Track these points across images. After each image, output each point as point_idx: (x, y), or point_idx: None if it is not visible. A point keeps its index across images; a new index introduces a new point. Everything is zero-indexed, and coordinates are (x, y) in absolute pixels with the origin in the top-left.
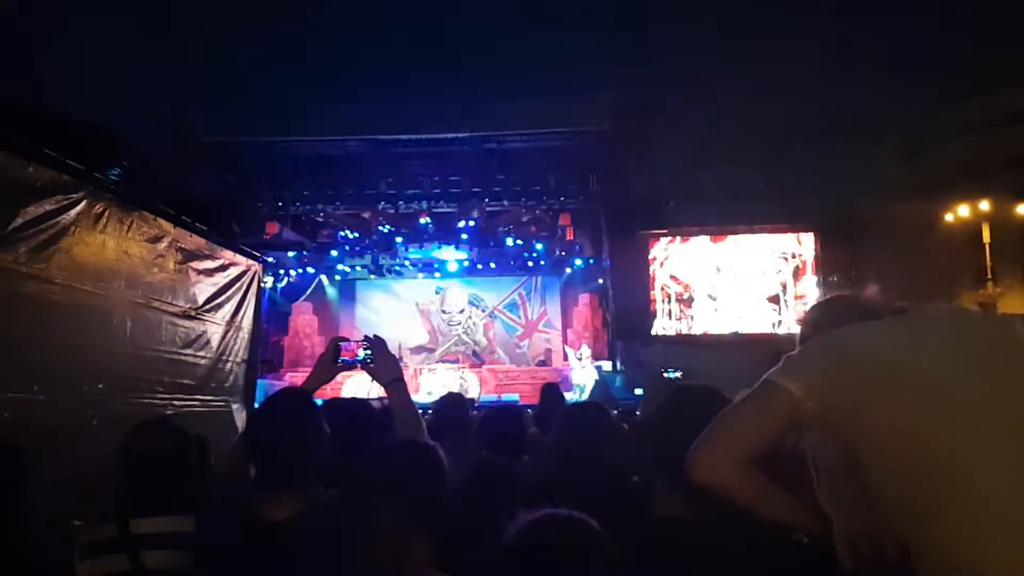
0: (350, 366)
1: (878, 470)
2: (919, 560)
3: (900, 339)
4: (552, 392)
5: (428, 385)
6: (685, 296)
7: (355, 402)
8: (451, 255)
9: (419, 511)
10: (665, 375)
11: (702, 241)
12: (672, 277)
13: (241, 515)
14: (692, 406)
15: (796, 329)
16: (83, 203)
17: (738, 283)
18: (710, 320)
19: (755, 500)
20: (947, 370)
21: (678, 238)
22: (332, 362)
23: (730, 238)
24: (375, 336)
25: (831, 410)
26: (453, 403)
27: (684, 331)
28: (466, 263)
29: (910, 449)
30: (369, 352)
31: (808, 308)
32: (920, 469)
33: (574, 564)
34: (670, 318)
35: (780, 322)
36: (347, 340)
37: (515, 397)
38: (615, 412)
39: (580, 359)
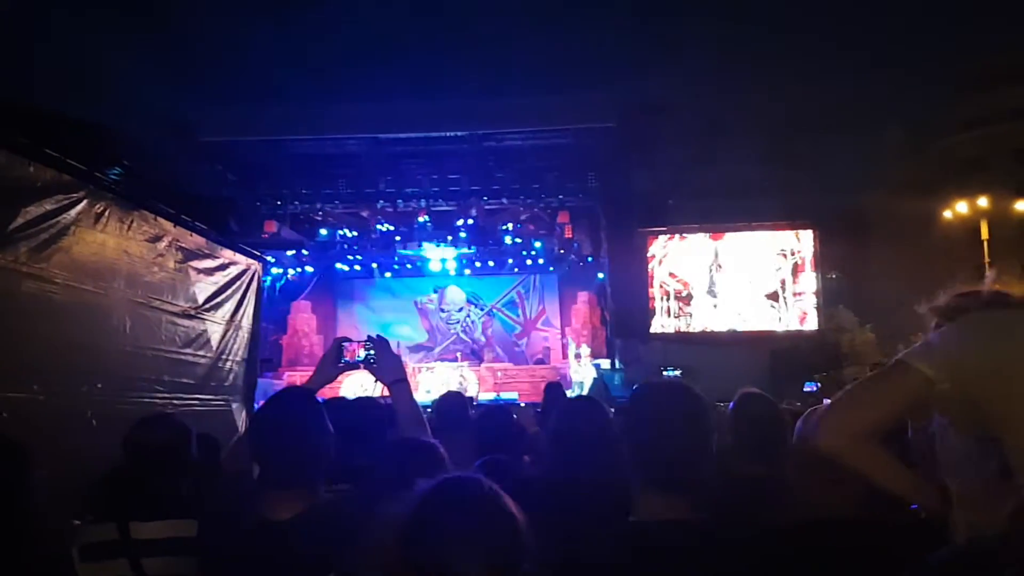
0: (352, 366)
1: (1017, 450)
2: None
3: None
4: (556, 391)
5: (427, 384)
6: (684, 293)
7: (358, 401)
8: (449, 253)
9: None
10: (664, 374)
11: (701, 238)
12: (671, 274)
13: (246, 514)
14: (659, 402)
15: (795, 326)
16: (83, 203)
17: (737, 280)
18: (709, 317)
19: (874, 470)
20: None
21: (677, 235)
22: (335, 362)
23: (729, 235)
24: (378, 336)
25: (967, 393)
26: (453, 401)
27: (683, 329)
28: (464, 261)
29: None
30: (371, 352)
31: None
32: None
33: (473, 530)
34: (669, 316)
35: (779, 319)
36: (349, 340)
37: (514, 395)
38: (612, 410)
39: (579, 357)
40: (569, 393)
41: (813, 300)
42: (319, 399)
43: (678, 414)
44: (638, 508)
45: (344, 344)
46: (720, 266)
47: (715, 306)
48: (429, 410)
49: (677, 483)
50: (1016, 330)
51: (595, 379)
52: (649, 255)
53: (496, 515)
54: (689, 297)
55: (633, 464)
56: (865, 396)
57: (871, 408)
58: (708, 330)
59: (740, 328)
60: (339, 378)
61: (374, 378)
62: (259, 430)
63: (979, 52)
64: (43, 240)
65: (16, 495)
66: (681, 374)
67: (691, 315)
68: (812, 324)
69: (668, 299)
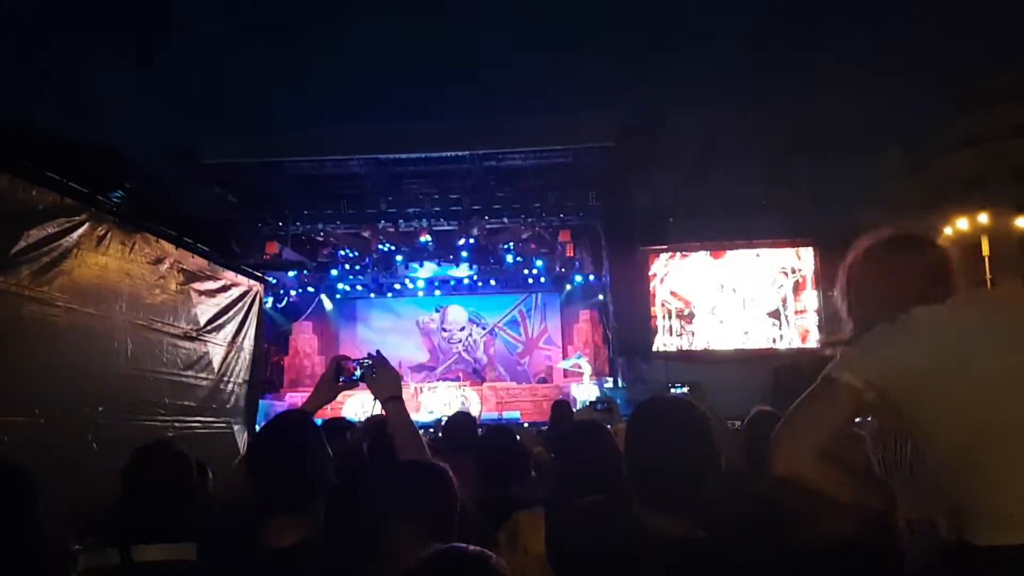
0: (351, 385)
1: (933, 448)
2: (969, 521)
3: (955, 324)
4: (562, 409)
5: (429, 404)
6: (686, 312)
7: (353, 422)
8: (451, 273)
9: (432, 533)
10: (672, 391)
11: (702, 257)
12: (672, 293)
13: (245, 541)
14: (660, 418)
15: (798, 343)
16: (85, 226)
17: (739, 298)
18: (711, 335)
19: (831, 486)
20: (996, 355)
21: (678, 254)
22: (334, 382)
23: (730, 254)
24: (377, 352)
25: (889, 397)
26: (461, 422)
27: (685, 347)
28: (466, 281)
29: (959, 432)
30: (369, 367)
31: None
32: (967, 449)
33: None
34: (671, 334)
35: (781, 337)
36: (348, 359)
37: (516, 415)
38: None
39: (581, 374)
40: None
41: (815, 318)
42: (316, 421)
43: (678, 430)
44: (640, 526)
45: (342, 363)
46: (721, 285)
47: (718, 323)
48: (432, 429)
49: (675, 500)
50: (929, 331)
51: (597, 397)
52: (650, 273)
53: None
54: (691, 315)
55: (632, 480)
56: (805, 418)
57: (813, 429)
58: (710, 348)
59: (742, 346)
60: (340, 397)
61: (373, 396)
62: (255, 456)
63: (978, 70)
64: (45, 263)
65: (22, 521)
66: (689, 390)
67: (693, 333)
68: (814, 342)
69: (670, 317)
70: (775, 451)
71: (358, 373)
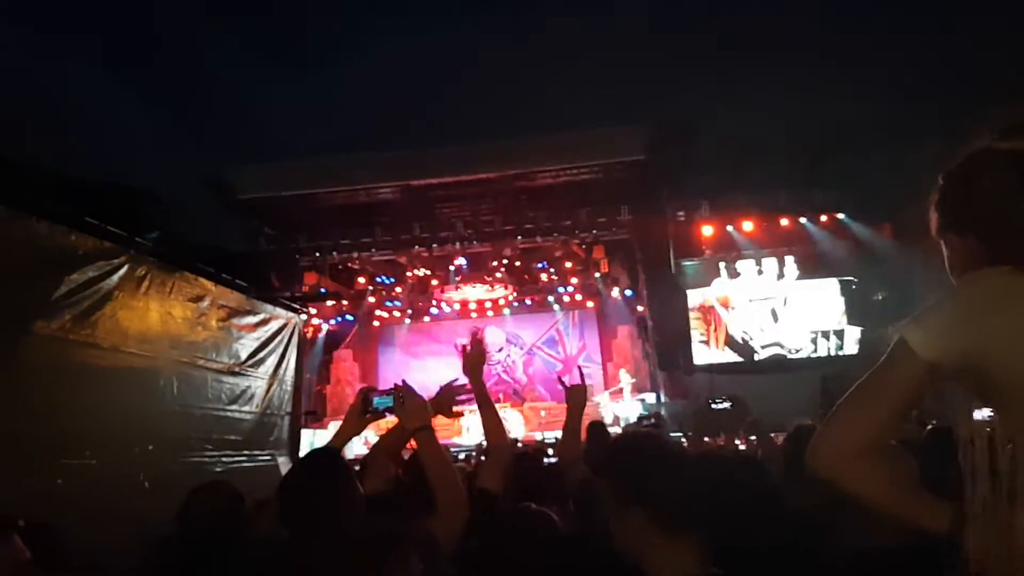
0: (378, 416)
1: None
2: None
3: None
4: (598, 431)
5: (470, 427)
6: (726, 323)
7: None
8: (487, 294)
9: None
10: (712, 406)
11: (741, 266)
12: (712, 304)
13: None
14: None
15: (846, 350)
16: (125, 268)
17: (779, 306)
18: (756, 346)
19: (870, 493)
20: None
21: (720, 264)
22: (361, 414)
23: (770, 261)
24: (403, 382)
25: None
26: None
27: (728, 359)
28: (502, 301)
29: None
30: (397, 399)
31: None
32: None
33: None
34: (712, 346)
35: (829, 344)
36: (375, 390)
37: (558, 434)
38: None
39: (621, 391)
40: (615, 430)
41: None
42: (344, 460)
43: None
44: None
45: (369, 395)
46: (762, 294)
47: (761, 331)
48: (474, 453)
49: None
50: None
51: (640, 415)
52: (688, 285)
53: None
54: (732, 326)
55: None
56: (856, 400)
57: (871, 414)
58: (755, 359)
59: (788, 356)
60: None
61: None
62: (286, 498)
63: (1017, 57)
64: (87, 307)
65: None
66: (731, 406)
67: (735, 344)
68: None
69: (711, 329)
70: (815, 440)
71: (386, 403)
